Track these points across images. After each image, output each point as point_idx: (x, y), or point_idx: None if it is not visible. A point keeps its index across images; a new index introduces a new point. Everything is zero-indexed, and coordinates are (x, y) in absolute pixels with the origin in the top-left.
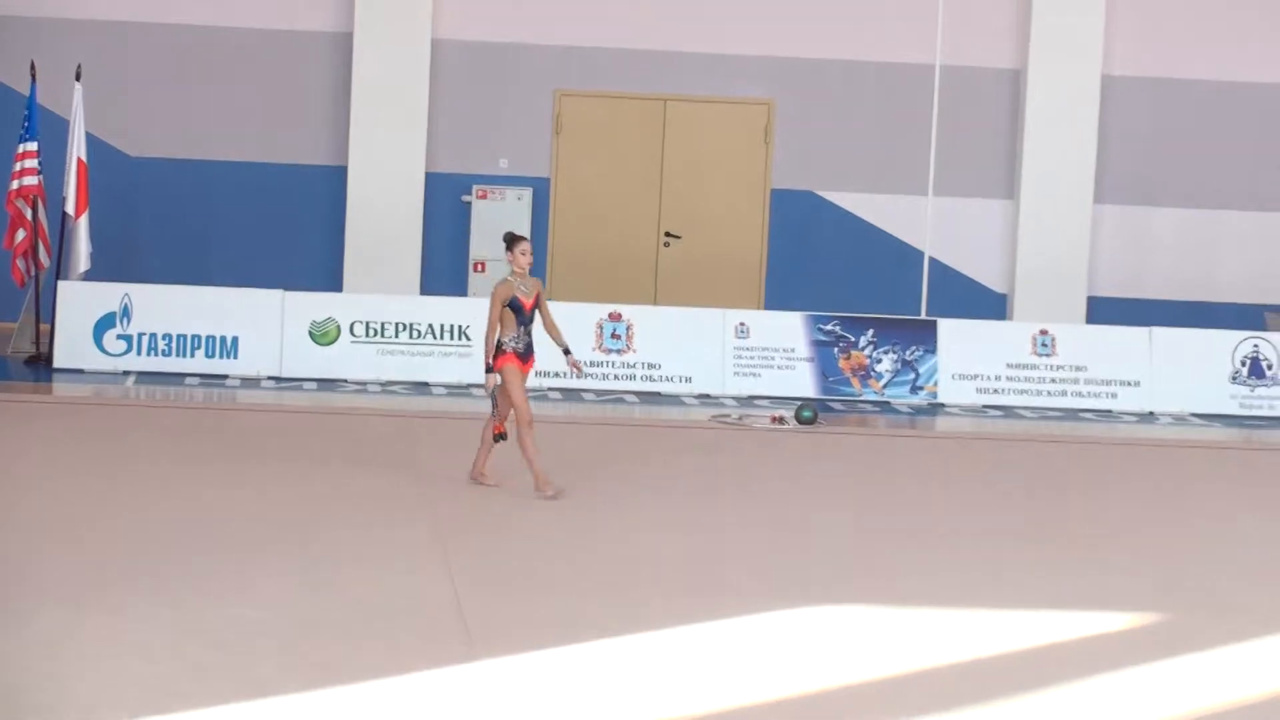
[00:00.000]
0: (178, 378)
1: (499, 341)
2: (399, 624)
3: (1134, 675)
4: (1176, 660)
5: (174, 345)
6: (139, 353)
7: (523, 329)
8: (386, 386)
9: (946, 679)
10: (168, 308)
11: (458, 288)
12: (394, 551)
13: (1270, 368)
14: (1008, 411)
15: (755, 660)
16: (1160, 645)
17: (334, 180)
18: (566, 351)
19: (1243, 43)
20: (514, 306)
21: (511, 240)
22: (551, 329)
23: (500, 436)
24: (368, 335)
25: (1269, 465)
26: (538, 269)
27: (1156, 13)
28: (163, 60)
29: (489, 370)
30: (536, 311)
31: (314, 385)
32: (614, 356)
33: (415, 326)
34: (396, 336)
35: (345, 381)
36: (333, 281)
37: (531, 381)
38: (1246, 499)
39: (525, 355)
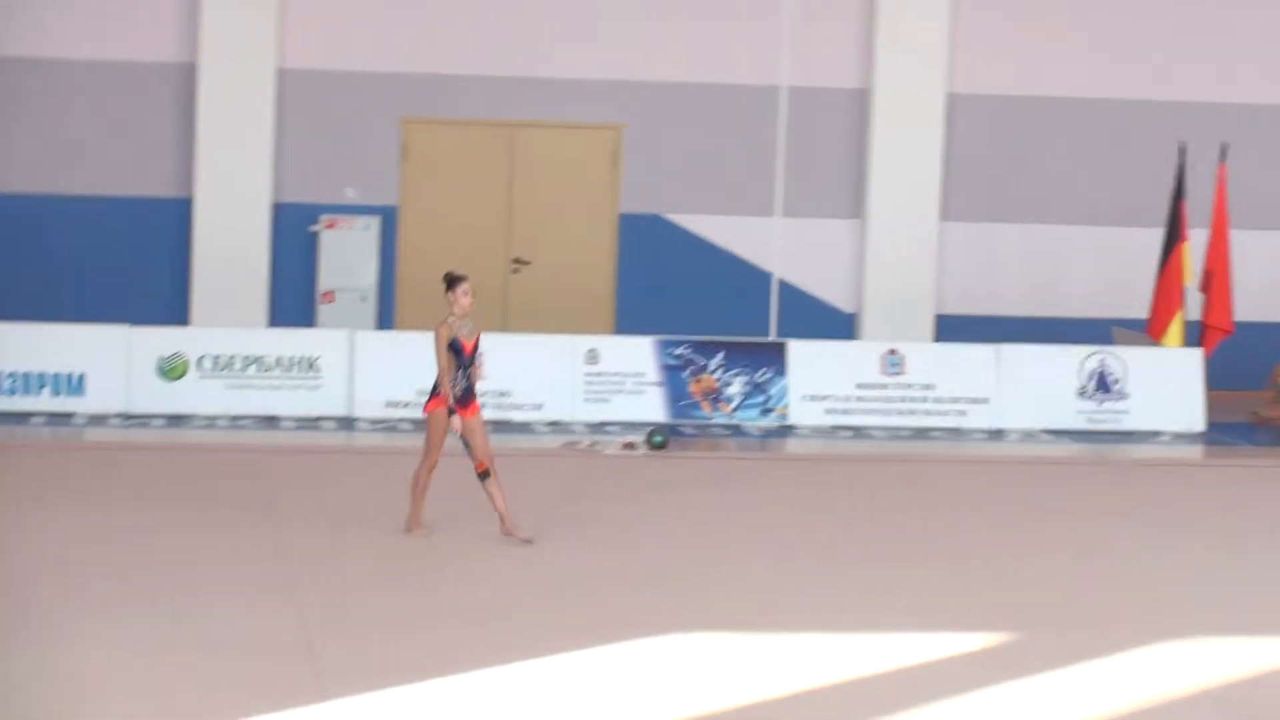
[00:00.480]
0: (22, 417)
1: (434, 384)
2: (250, 664)
3: (989, 694)
4: (1031, 679)
5: (19, 383)
6: None
7: (461, 372)
8: (235, 421)
9: (800, 705)
10: (14, 345)
11: (306, 319)
12: (245, 590)
13: (1117, 382)
14: (858, 432)
15: (614, 691)
16: (1013, 664)
17: (179, 212)
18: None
19: (1085, 58)
20: (455, 348)
21: (451, 280)
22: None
23: (483, 475)
24: (216, 369)
25: (1115, 479)
26: (385, 297)
27: (999, 30)
28: (6, 95)
29: (450, 413)
30: (479, 354)
31: (163, 421)
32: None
33: (264, 359)
34: (245, 370)
35: (195, 416)
36: (180, 315)
37: (379, 411)
38: (1096, 513)
39: (464, 399)
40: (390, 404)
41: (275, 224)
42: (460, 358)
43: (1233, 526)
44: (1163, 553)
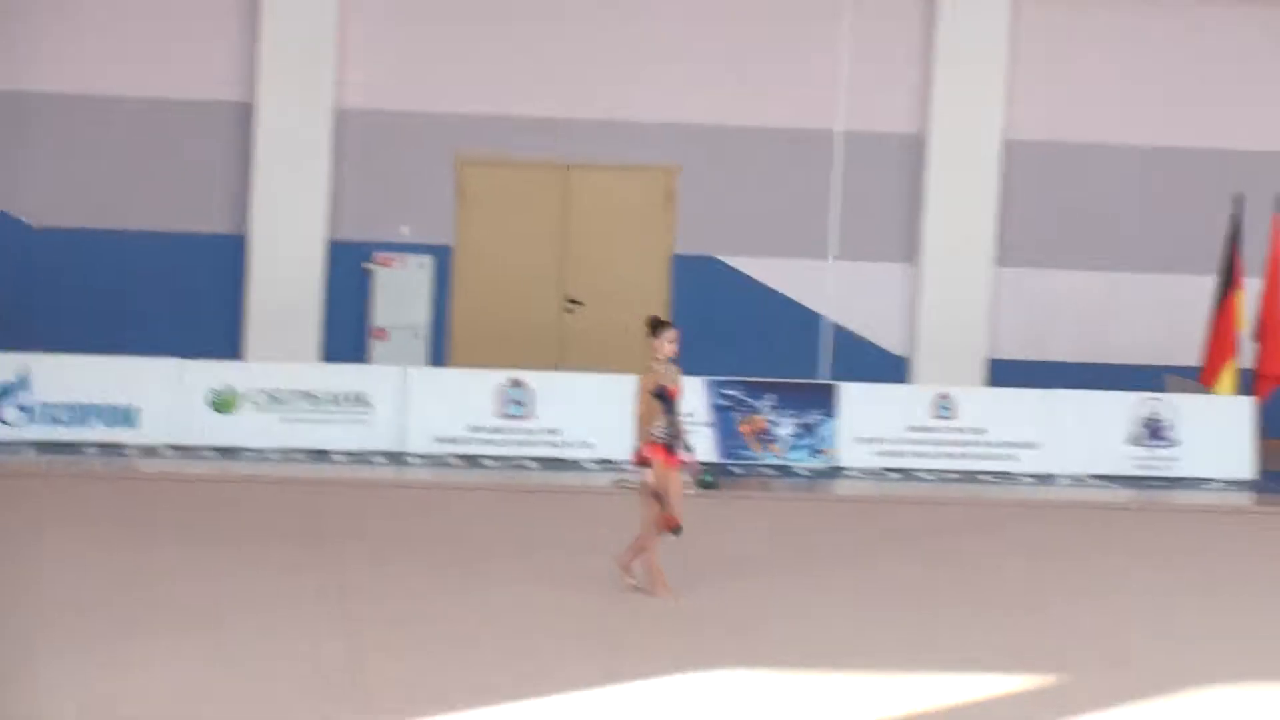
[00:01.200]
0: (76, 447)
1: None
2: (299, 691)
3: None
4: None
5: (74, 414)
6: (38, 422)
7: (671, 418)
8: (287, 454)
9: None
10: (67, 377)
11: (358, 355)
12: (296, 618)
13: (1168, 428)
14: (907, 474)
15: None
16: (1060, 704)
17: (235, 249)
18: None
19: (1141, 106)
20: (660, 395)
21: (656, 326)
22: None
23: (675, 530)
24: (268, 403)
25: (1164, 525)
26: (438, 335)
27: (1057, 76)
28: (65, 130)
29: (642, 463)
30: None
31: (214, 454)
32: (515, 423)
33: (315, 394)
34: (297, 404)
35: (245, 450)
36: (232, 349)
37: (430, 446)
38: (1144, 558)
39: (671, 446)
40: (440, 439)
41: (330, 261)
42: (667, 403)
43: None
44: (1211, 598)
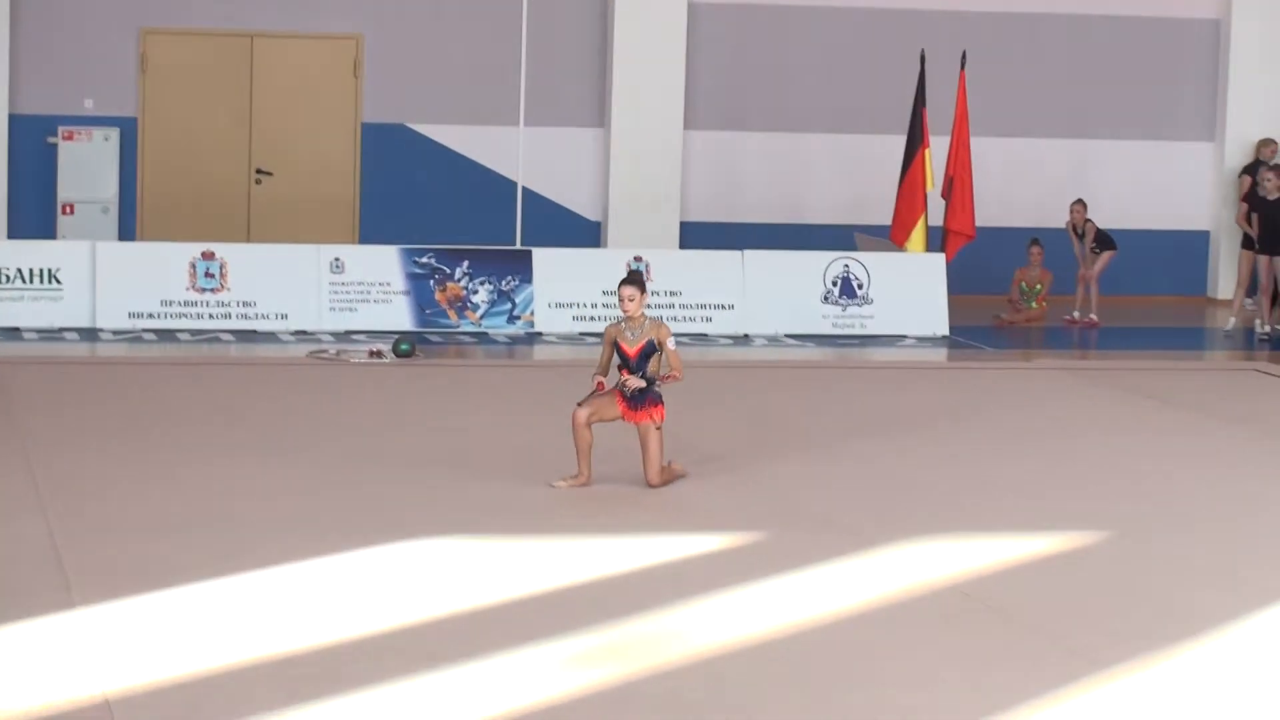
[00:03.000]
0: None
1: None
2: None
3: (737, 593)
4: (779, 578)
5: None
6: None
7: (626, 371)
8: None
9: (543, 606)
10: None
11: (46, 231)
12: None
13: (861, 287)
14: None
15: (356, 595)
16: (762, 564)
17: None
18: (650, 381)
19: None
20: (618, 351)
21: (622, 281)
22: (668, 365)
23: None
24: None
25: (861, 382)
26: (126, 210)
27: None
28: None
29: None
30: (650, 359)
31: None
32: (208, 295)
33: (4, 271)
34: None
35: None
36: None
37: (122, 322)
38: (840, 416)
39: (632, 403)
40: (133, 314)
41: (11, 135)
42: (624, 360)
43: (975, 427)
44: (909, 454)
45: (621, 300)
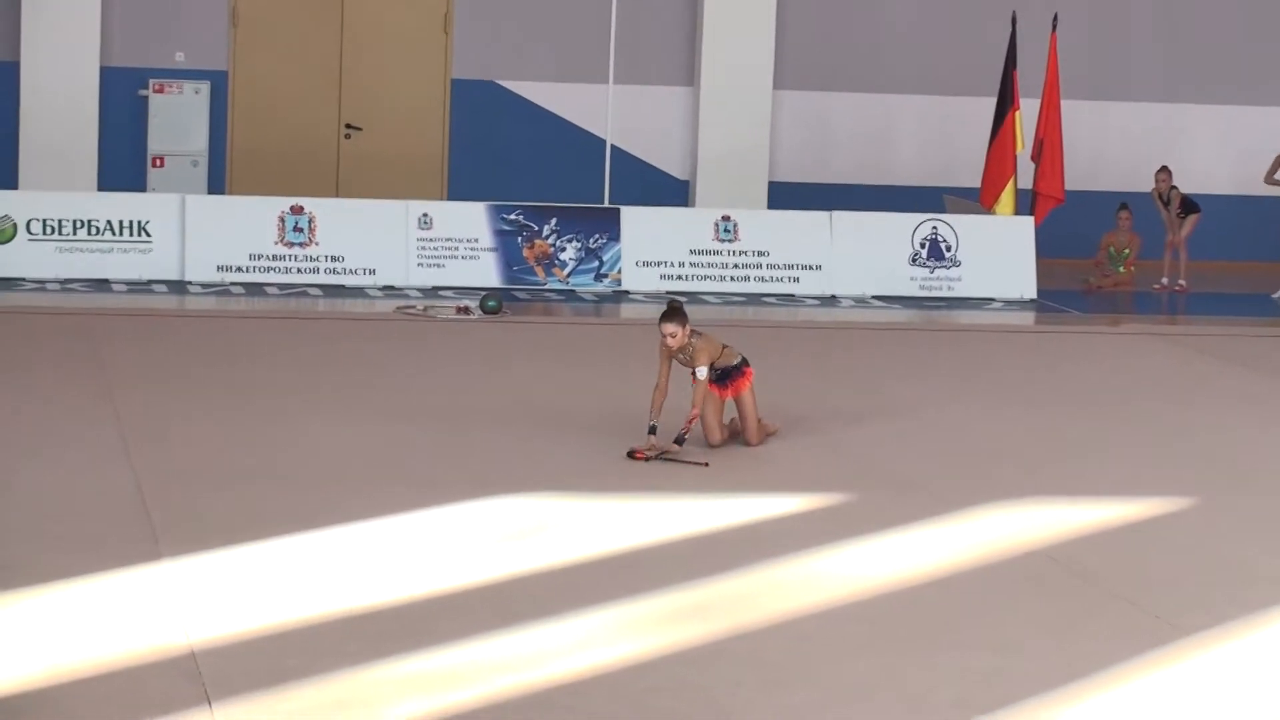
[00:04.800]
0: None
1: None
2: (84, 524)
3: (822, 554)
4: (866, 539)
5: None
6: None
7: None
8: (66, 284)
9: (625, 565)
10: None
11: (137, 183)
12: (78, 450)
13: (949, 249)
14: (692, 297)
15: (440, 550)
16: (848, 525)
17: (6, 76)
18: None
19: None
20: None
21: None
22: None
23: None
24: (45, 233)
25: (949, 345)
26: (215, 163)
27: None
28: None
29: (650, 430)
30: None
31: None
32: (297, 250)
33: (94, 223)
34: (75, 233)
35: (23, 280)
36: (7, 179)
37: (210, 274)
38: (929, 378)
39: (722, 381)
40: (221, 268)
41: (103, 88)
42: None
43: (1062, 391)
44: (995, 417)
45: (664, 337)
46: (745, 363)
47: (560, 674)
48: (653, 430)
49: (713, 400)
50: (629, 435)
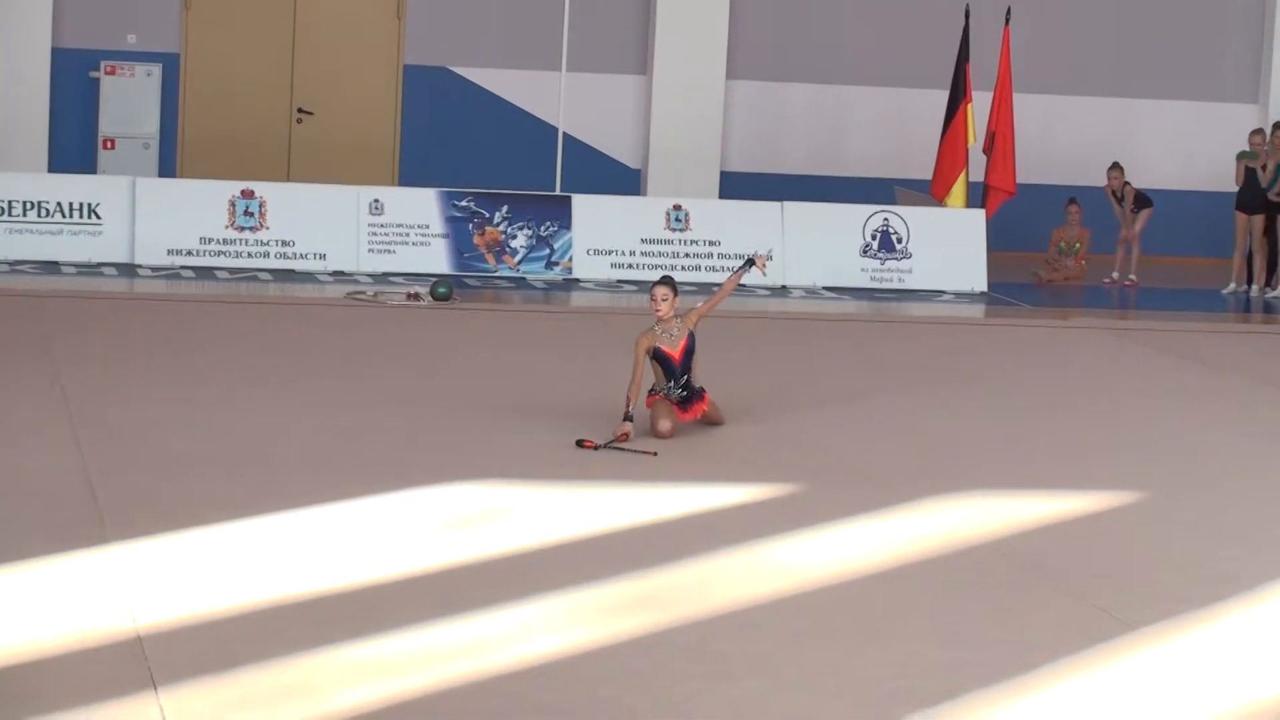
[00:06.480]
0: None
1: (653, 387)
2: (30, 507)
3: (776, 544)
4: (819, 530)
5: None
6: None
7: (673, 382)
8: (15, 266)
9: (582, 552)
10: None
11: (87, 165)
12: (22, 433)
13: (900, 241)
14: (642, 286)
15: (387, 537)
16: (801, 517)
17: None
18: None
19: None
20: (658, 357)
21: (654, 284)
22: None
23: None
24: None
25: (899, 337)
26: (167, 146)
27: None
28: None
29: (626, 419)
30: (693, 356)
31: None
32: (247, 234)
33: (44, 205)
34: (25, 215)
35: None
36: None
37: (161, 258)
38: (878, 370)
39: (684, 404)
40: (172, 251)
41: (54, 69)
42: (668, 366)
43: (1012, 384)
44: (945, 409)
45: (654, 300)
46: (703, 390)
47: (506, 662)
48: (629, 418)
49: (664, 403)
50: (578, 424)
